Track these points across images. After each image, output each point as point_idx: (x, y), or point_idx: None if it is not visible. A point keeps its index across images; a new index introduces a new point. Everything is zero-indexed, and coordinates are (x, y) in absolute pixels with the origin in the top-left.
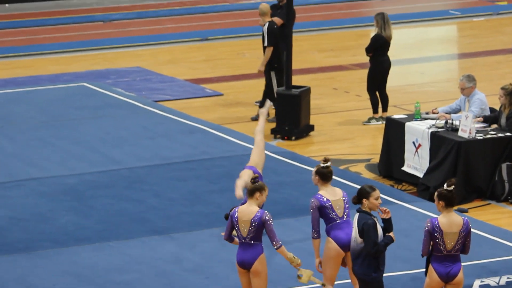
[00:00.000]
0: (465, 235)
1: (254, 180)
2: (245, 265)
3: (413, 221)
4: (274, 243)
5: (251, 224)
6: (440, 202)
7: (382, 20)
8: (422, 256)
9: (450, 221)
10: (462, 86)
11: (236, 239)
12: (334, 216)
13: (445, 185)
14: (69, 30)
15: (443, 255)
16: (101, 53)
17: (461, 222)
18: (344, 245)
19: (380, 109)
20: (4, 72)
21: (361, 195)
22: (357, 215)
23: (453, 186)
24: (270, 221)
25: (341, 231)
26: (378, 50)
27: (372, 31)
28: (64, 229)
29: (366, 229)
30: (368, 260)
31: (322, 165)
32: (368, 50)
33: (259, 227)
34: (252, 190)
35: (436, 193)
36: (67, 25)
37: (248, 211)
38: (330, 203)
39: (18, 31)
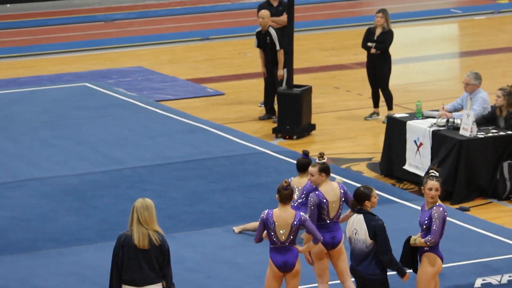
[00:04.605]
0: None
1: (286, 186)
2: (287, 267)
3: (414, 220)
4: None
5: (291, 228)
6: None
7: (388, 16)
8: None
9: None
10: (467, 81)
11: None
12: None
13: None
14: (71, 30)
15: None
16: (103, 53)
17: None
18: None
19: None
20: (6, 72)
21: (362, 198)
22: (360, 216)
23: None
24: (308, 220)
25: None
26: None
27: (369, 27)
28: (66, 229)
29: (379, 231)
30: (376, 259)
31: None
32: (388, 47)
33: (298, 230)
34: (289, 195)
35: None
36: (69, 25)
37: (286, 215)
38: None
39: (19, 31)
